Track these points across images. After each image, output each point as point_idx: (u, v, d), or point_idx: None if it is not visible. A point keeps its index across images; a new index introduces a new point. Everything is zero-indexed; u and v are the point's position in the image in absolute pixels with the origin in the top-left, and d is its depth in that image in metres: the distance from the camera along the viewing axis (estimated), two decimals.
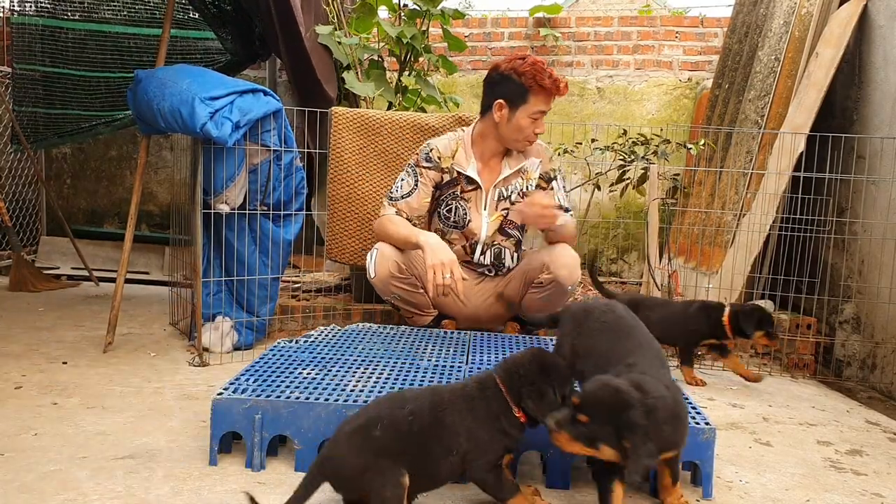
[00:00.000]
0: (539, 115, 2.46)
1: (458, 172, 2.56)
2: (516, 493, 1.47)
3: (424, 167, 2.56)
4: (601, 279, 4.25)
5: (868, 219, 3.01)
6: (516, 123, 2.47)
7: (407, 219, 2.50)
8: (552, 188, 2.62)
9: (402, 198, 2.53)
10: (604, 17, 4.99)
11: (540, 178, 2.62)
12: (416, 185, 2.54)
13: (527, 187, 2.60)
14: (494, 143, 2.56)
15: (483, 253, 2.62)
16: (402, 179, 2.57)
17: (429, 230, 2.64)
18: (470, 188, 2.58)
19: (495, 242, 2.62)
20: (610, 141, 3.76)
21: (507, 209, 2.58)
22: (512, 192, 2.59)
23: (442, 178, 2.57)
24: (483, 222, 2.58)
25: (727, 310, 2.56)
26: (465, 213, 2.58)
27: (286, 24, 3.28)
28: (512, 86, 2.45)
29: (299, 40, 3.33)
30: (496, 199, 2.59)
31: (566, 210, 2.59)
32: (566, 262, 2.45)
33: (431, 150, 2.57)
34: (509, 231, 2.62)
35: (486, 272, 2.66)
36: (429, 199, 2.56)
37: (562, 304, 2.61)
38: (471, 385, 1.49)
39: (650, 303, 2.73)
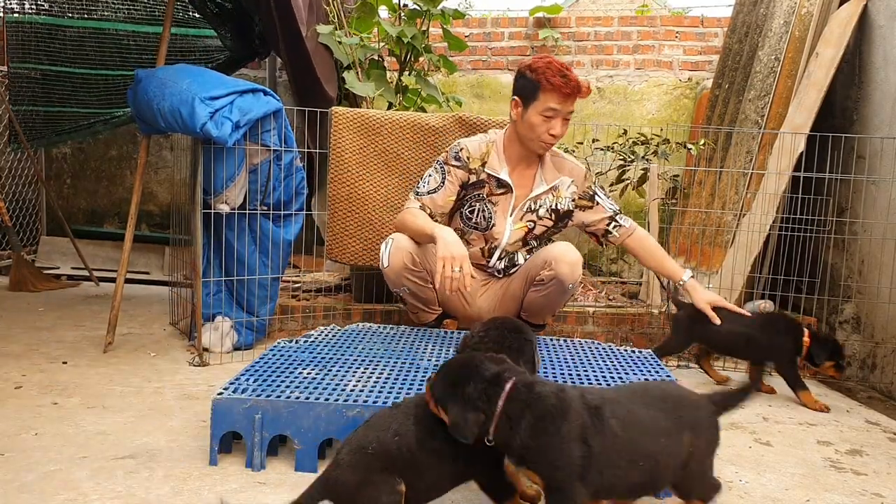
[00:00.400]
0: (551, 114, 2.42)
1: (490, 175, 2.54)
2: (512, 495, 1.46)
3: (453, 165, 2.54)
4: (602, 280, 4.25)
5: (868, 219, 3.01)
6: (528, 121, 2.45)
7: (430, 215, 2.50)
8: (598, 203, 2.64)
9: (428, 193, 2.53)
10: (604, 17, 4.99)
11: (581, 198, 2.63)
12: (443, 182, 2.53)
13: (556, 205, 2.60)
14: (518, 146, 2.55)
15: (500, 258, 2.61)
16: (430, 175, 2.56)
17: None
18: (500, 192, 2.56)
19: (514, 250, 2.63)
20: (610, 141, 3.76)
21: (533, 221, 2.59)
22: (540, 207, 2.59)
23: (469, 178, 2.56)
24: (507, 228, 2.57)
25: (806, 331, 2.53)
26: (491, 217, 2.56)
27: (287, 23, 3.28)
28: (525, 82, 2.45)
29: (300, 39, 3.33)
30: (524, 209, 2.57)
31: (617, 213, 2.66)
32: (569, 259, 2.44)
33: (461, 150, 2.55)
34: (530, 241, 2.63)
35: (496, 274, 2.65)
36: (454, 198, 2.55)
37: (562, 303, 2.60)
38: None
39: (722, 315, 2.54)
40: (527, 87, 2.43)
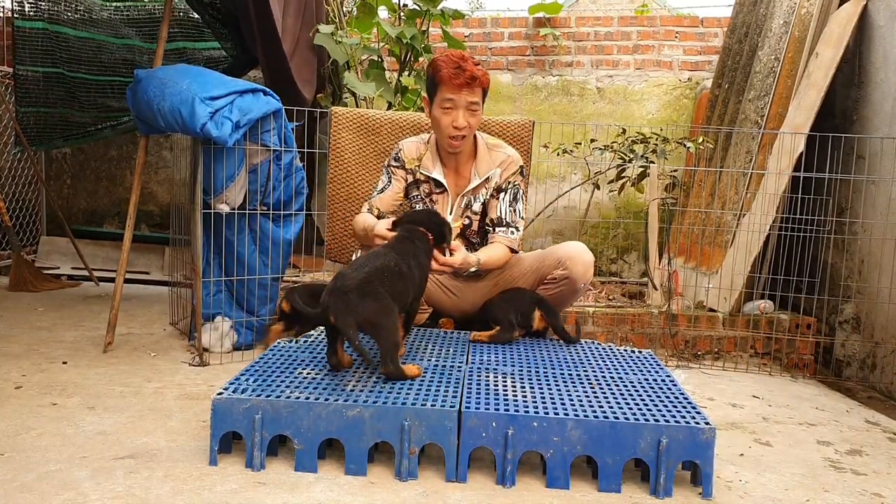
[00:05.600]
0: (450, 105, 2.37)
1: (426, 175, 2.54)
2: None
3: (394, 166, 2.58)
4: (602, 280, 4.25)
5: (868, 219, 3.01)
6: (434, 117, 2.45)
7: (378, 216, 2.51)
8: (499, 200, 2.51)
9: (377, 194, 2.57)
10: (604, 17, 4.99)
11: (494, 188, 2.53)
12: (390, 181, 2.57)
13: (486, 197, 2.54)
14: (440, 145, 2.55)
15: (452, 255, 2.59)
16: (381, 178, 2.61)
17: None
18: (438, 191, 2.55)
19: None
20: (610, 141, 3.76)
21: (469, 217, 2.54)
22: (476, 202, 2.54)
23: (407, 178, 2.57)
24: None
25: None
26: None
27: (264, 24, 3.28)
28: (428, 80, 2.46)
29: (277, 40, 3.33)
30: (462, 206, 2.54)
31: (507, 225, 2.48)
32: (583, 260, 2.43)
33: (400, 151, 2.58)
34: (471, 239, 2.58)
35: (481, 272, 2.62)
36: (401, 194, 2.57)
37: (571, 302, 2.59)
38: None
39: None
40: (429, 84, 2.45)
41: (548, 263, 2.50)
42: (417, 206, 2.57)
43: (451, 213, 2.54)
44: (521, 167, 2.57)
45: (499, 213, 2.50)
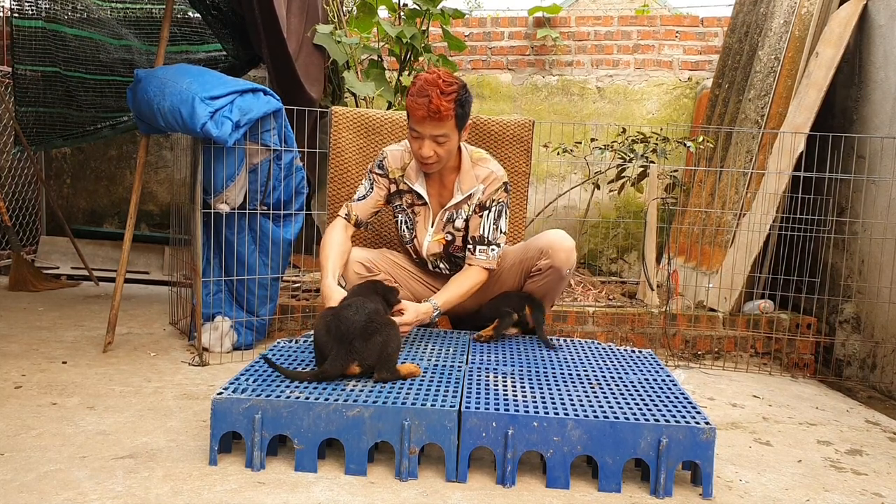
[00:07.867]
0: (416, 134, 2.27)
1: (408, 186, 2.49)
2: None
3: (377, 174, 2.52)
4: (602, 279, 4.25)
5: (868, 218, 3.01)
6: (409, 140, 2.37)
7: (356, 223, 2.49)
8: (480, 217, 2.42)
9: (358, 200, 2.52)
10: (604, 17, 4.99)
11: (477, 205, 2.43)
12: (371, 188, 2.51)
13: (469, 214, 2.47)
14: None
15: (436, 266, 2.56)
16: (363, 182, 2.56)
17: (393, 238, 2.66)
18: (420, 203, 2.50)
19: (438, 259, 2.56)
20: (610, 140, 3.76)
21: (451, 233, 2.49)
22: (458, 218, 2.48)
23: (390, 187, 2.52)
24: (425, 241, 2.51)
25: None
26: (413, 228, 2.52)
27: (269, 24, 3.28)
28: None
29: (282, 40, 3.33)
30: (444, 220, 2.49)
31: (488, 243, 2.41)
32: (564, 247, 2.42)
33: (384, 158, 2.51)
34: (456, 255, 2.54)
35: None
36: (382, 202, 2.52)
37: (561, 290, 2.58)
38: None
39: None
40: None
41: (530, 255, 2.49)
42: (399, 216, 2.54)
43: (432, 227, 2.50)
44: (506, 183, 2.46)
45: (481, 232, 2.42)
